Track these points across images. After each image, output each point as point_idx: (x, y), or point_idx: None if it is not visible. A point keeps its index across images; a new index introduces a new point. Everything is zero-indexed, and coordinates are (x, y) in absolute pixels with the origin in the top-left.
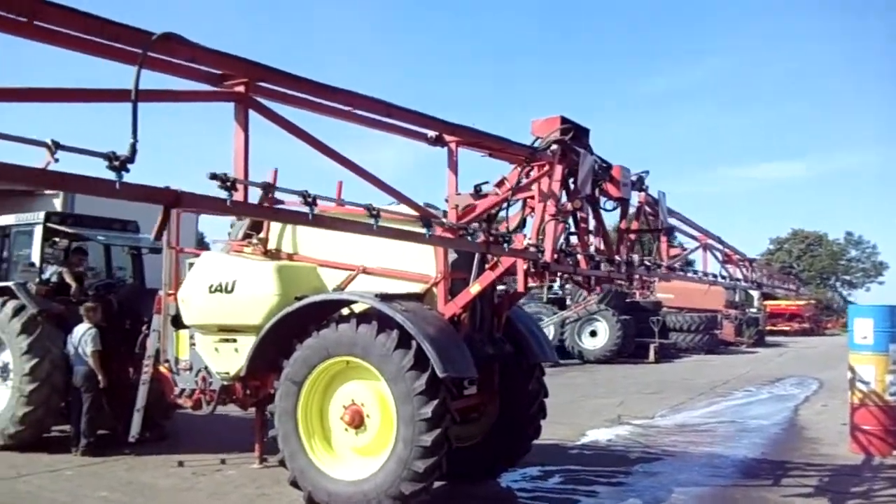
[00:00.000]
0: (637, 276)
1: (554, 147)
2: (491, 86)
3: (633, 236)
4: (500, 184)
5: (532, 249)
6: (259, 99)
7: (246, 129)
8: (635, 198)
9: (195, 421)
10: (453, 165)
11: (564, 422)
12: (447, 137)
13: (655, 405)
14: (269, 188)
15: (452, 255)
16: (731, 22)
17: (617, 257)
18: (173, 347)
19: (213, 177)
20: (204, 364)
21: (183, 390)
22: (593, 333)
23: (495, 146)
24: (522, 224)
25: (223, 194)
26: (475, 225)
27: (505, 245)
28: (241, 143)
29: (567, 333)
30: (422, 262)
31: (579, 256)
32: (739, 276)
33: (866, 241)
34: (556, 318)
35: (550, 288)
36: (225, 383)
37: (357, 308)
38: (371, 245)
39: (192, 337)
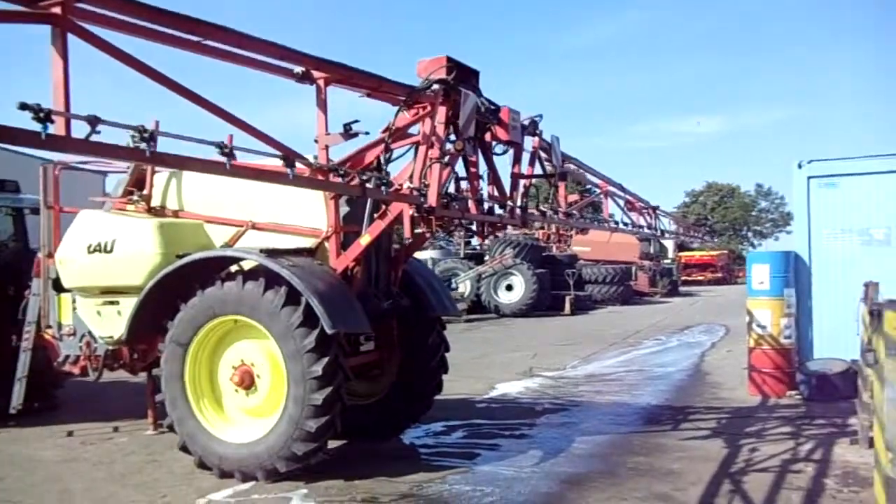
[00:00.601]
0: (543, 227)
1: (435, 87)
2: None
3: (526, 182)
4: (386, 129)
5: (415, 194)
6: (82, 24)
7: (65, 56)
8: (529, 143)
9: (90, 388)
10: (321, 104)
11: (475, 376)
12: (315, 74)
13: (567, 357)
14: (95, 122)
15: (345, 209)
16: None
17: (509, 203)
18: (56, 312)
19: (24, 107)
20: (87, 329)
21: (67, 357)
22: (509, 287)
23: (370, 84)
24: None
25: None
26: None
27: (383, 188)
28: (59, 71)
29: (483, 288)
30: (313, 217)
31: (470, 202)
32: (643, 223)
33: (775, 193)
34: (472, 273)
35: (468, 243)
36: (110, 348)
37: (245, 266)
38: (260, 200)
39: (73, 301)
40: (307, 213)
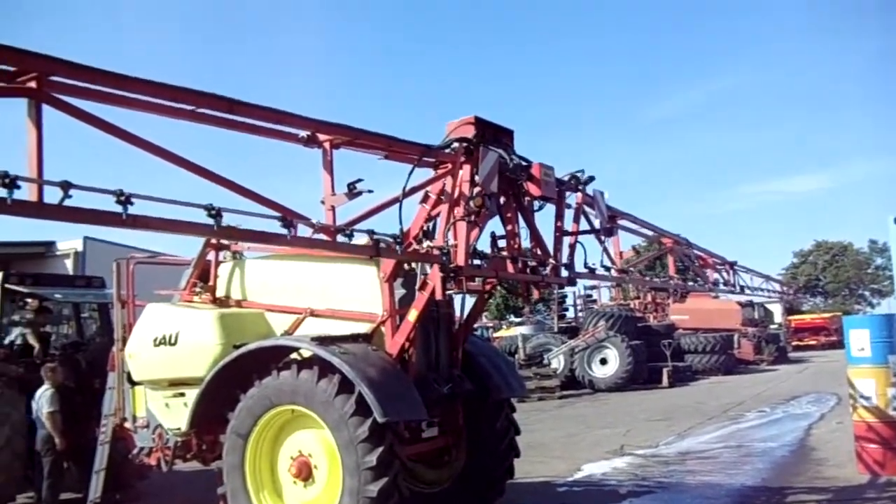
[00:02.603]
0: (639, 297)
1: (455, 145)
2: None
3: (572, 239)
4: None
5: (436, 253)
6: (58, 96)
7: (38, 126)
8: (574, 200)
9: (172, 479)
10: (328, 166)
11: (562, 456)
12: (320, 136)
13: (662, 433)
14: (68, 186)
15: (400, 291)
16: (734, 41)
17: (552, 261)
18: (130, 405)
19: None
20: (158, 421)
21: (142, 448)
22: (603, 361)
23: (378, 145)
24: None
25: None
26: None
27: (398, 247)
28: (33, 140)
29: (577, 363)
30: (368, 301)
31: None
32: (720, 280)
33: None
34: (564, 347)
35: (562, 317)
36: (179, 440)
37: (304, 354)
38: (318, 287)
39: (145, 393)
40: (363, 298)
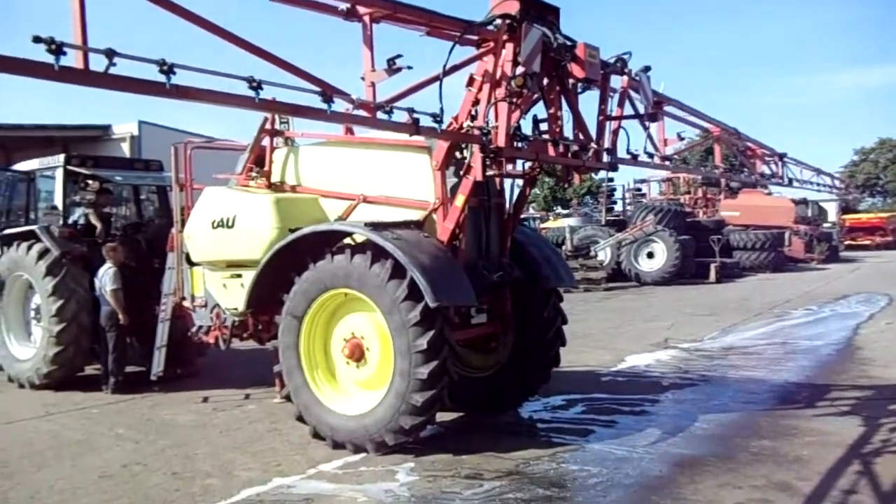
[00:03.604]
0: (689, 191)
1: (497, 21)
2: None
3: (615, 124)
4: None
5: (476, 133)
6: None
7: None
8: (619, 83)
9: (231, 356)
10: (368, 40)
11: (606, 346)
12: (360, 10)
13: (706, 328)
14: (112, 54)
15: (452, 180)
16: None
17: (593, 145)
18: (189, 285)
19: (37, 39)
20: (216, 301)
21: (200, 327)
22: (650, 255)
23: (420, 20)
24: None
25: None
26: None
27: (437, 126)
28: (76, 7)
29: (623, 256)
30: (421, 189)
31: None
32: (767, 172)
33: None
34: (611, 240)
35: (610, 210)
36: (237, 319)
37: (357, 239)
38: (372, 174)
39: (203, 274)
40: (416, 185)
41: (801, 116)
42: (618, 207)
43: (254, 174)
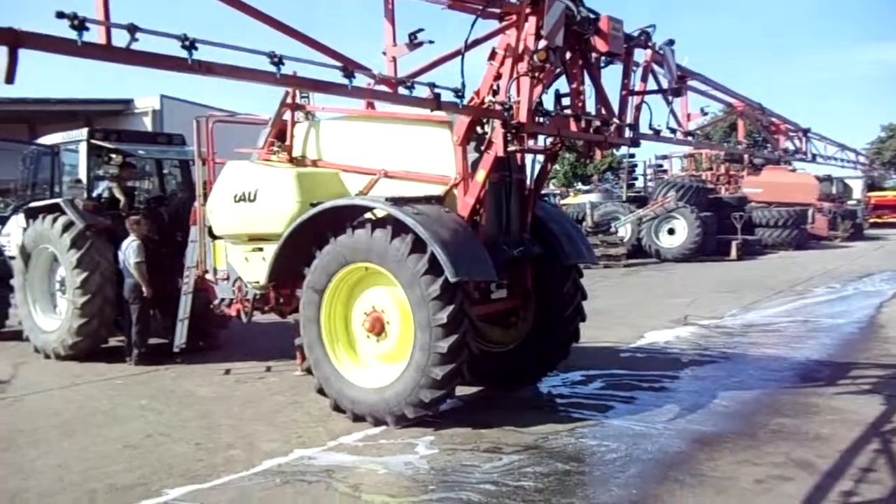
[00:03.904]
0: (711, 168)
1: None
2: None
3: (638, 99)
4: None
5: (498, 108)
6: None
7: None
8: (643, 56)
9: (252, 329)
10: (389, 14)
11: (626, 323)
12: None
13: (727, 305)
14: (134, 30)
15: (473, 155)
16: None
17: (616, 121)
18: (212, 258)
19: (60, 15)
20: (238, 274)
21: (223, 300)
22: (671, 231)
23: None
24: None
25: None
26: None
27: (458, 101)
28: None
29: (644, 232)
30: (442, 164)
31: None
32: (791, 148)
33: None
34: (632, 216)
35: (631, 186)
36: (258, 292)
37: (378, 214)
38: (392, 149)
39: (225, 247)
40: (437, 160)
41: (826, 93)
42: (639, 184)
43: (275, 148)
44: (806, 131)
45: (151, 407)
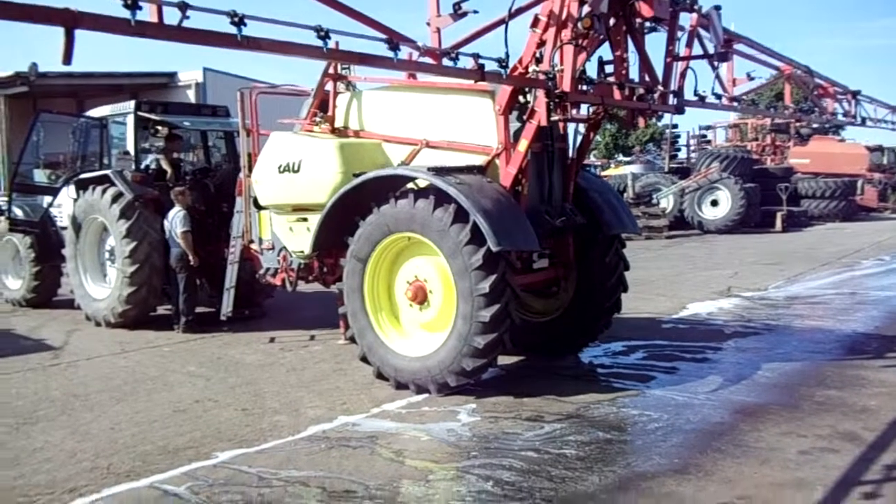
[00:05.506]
0: (757, 138)
1: None
2: None
3: (683, 65)
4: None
5: (541, 77)
6: None
7: None
8: (688, 21)
9: (297, 298)
10: None
11: (667, 294)
12: None
13: (771, 277)
14: (185, 7)
15: (515, 125)
16: None
17: (660, 88)
18: (257, 228)
19: None
20: (282, 244)
21: (268, 269)
22: (714, 203)
23: None
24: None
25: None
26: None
27: (502, 72)
28: None
29: (686, 203)
30: (484, 134)
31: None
32: (840, 111)
33: None
34: (674, 187)
35: (674, 157)
36: (302, 262)
37: (420, 184)
38: (434, 119)
39: (270, 217)
40: (479, 130)
41: (876, 58)
42: (682, 155)
43: (318, 119)
44: (855, 94)
45: (199, 373)
